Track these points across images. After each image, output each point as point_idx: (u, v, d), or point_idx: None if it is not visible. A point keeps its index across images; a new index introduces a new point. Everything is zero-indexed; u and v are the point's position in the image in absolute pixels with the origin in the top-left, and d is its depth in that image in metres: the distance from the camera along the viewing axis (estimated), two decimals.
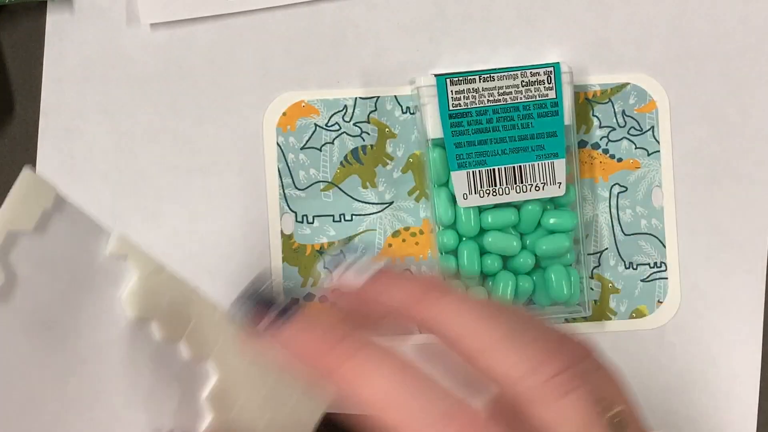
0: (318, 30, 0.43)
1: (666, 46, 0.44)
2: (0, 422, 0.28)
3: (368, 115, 0.43)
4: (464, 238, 0.41)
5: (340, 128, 0.43)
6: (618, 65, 0.44)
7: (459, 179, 0.40)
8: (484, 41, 0.44)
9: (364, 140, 0.43)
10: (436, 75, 0.41)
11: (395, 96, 0.43)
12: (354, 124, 0.43)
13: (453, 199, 0.41)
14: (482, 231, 0.41)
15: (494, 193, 0.40)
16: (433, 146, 0.41)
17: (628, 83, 0.44)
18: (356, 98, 0.43)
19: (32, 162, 0.43)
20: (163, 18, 0.43)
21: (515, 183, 0.41)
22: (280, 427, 0.33)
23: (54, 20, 0.43)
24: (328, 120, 0.43)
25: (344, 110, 0.43)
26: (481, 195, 0.40)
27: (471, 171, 0.40)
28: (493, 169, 0.41)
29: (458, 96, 0.40)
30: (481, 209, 0.41)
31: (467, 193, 0.40)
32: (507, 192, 0.41)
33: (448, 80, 0.40)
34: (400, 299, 0.29)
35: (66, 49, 0.43)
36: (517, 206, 0.42)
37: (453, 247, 0.41)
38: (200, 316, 0.32)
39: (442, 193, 0.41)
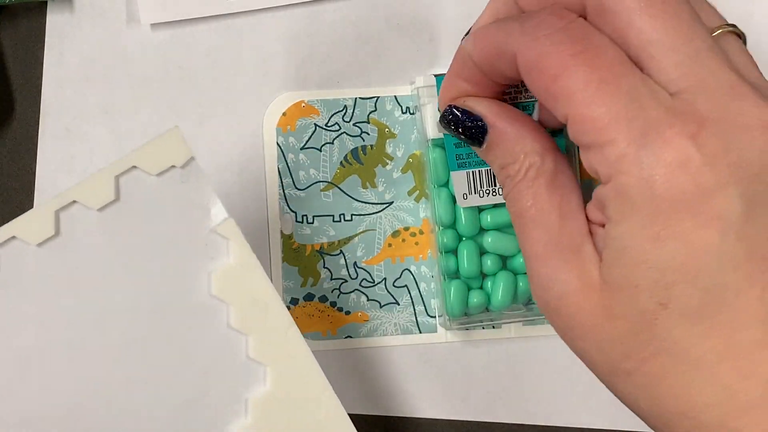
0: (318, 30, 0.43)
1: None
2: (64, 311, 0.32)
3: (368, 115, 0.43)
4: (464, 238, 0.41)
5: (340, 128, 0.43)
6: None
7: (459, 179, 0.40)
8: None
9: (364, 140, 0.43)
10: (436, 75, 0.41)
11: (395, 96, 0.43)
12: (354, 124, 0.43)
13: (453, 200, 0.41)
14: (482, 231, 0.41)
15: (494, 193, 0.40)
16: (433, 146, 0.41)
17: None
18: (356, 98, 0.43)
19: (32, 162, 0.43)
20: (163, 18, 0.43)
21: None
22: None
23: (54, 20, 0.43)
24: (328, 120, 0.43)
25: (344, 110, 0.43)
26: (481, 195, 0.40)
27: (471, 171, 0.40)
28: None
29: None
30: (480, 209, 0.41)
31: (467, 193, 0.40)
32: None
33: None
34: None
35: (66, 49, 0.43)
36: None
37: (453, 247, 0.41)
38: (274, 324, 0.33)
39: (442, 193, 0.41)
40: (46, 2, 0.43)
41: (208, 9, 0.43)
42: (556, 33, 0.28)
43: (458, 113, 0.33)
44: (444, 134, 0.40)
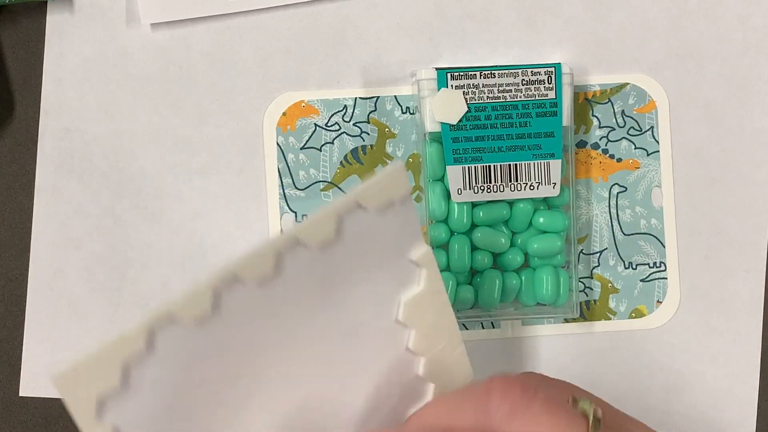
0: (318, 30, 0.43)
1: (666, 46, 0.44)
2: (267, 352, 0.31)
3: (368, 115, 0.43)
4: (456, 233, 0.41)
5: (340, 128, 0.43)
6: (617, 65, 0.44)
7: (454, 174, 0.40)
8: (484, 41, 0.44)
9: (363, 140, 0.43)
10: (437, 69, 0.41)
11: (395, 96, 0.43)
12: (354, 124, 0.43)
13: (447, 194, 0.41)
14: (473, 227, 0.41)
15: (488, 190, 0.40)
16: (430, 140, 0.41)
17: (627, 83, 0.44)
18: (356, 98, 0.43)
19: (32, 162, 0.43)
20: (163, 18, 0.43)
21: (510, 181, 0.41)
22: None
23: (54, 20, 0.43)
24: (328, 120, 0.43)
25: (344, 110, 0.43)
26: (476, 191, 0.40)
27: (466, 167, 0.40)
28: (489, 166, 0.41)
29: (458, 90, 0.40)
30: (473, 204, 0.41)
31: (462, 188, 0.40)
32: (501, 189, 0.41)
33: (448, 74, 0.40)
34: None
35: (66, 49, 0.43)
36: (510, 203, 0.42)
37: (444, 241, 0.41)
38: (447, 346, 0.33)
39: (437, 187, 0.41)
40: (46, 2, 0.43)
41: (208, 9, 0.43)
42: None
43: None
44: (442, 128, 0.40)
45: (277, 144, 0.43)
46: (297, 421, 0.32)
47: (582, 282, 0.44)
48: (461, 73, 0.40)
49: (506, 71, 0.41)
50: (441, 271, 0.41)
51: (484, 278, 0.41)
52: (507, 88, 0.41)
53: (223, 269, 0.29)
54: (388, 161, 0.43)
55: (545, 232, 0.42)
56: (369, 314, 0.32)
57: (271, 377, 0.31)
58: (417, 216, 0.33)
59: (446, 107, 0.40)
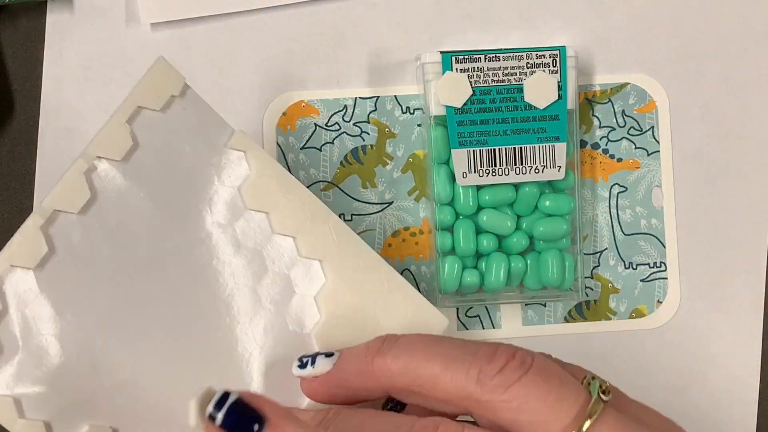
0: (318, 30, 0.43)
1: (666, 46, 0.44)
2: (125, 270, 0.32)
3: (368, 115, 0.43)
4: (461, 216, 0.41)
5: (340, 128, 0.43)
6: (618, 65, 0.44)
7: (459, 157, 0.40)
8: (484, 41, 0.44)
9: (364, 140, 0.43)
10: (441, 52, 0.41)
11: (395, 96, 0.43)
12: (354, 124, 0.43)
13: (452, 177, 0.41)
14: (479, 209, 0.41)
15: (494, 173, 0.40)
16: (435, 124, 0.41)
17: (627, 83, 0.44)
18: (356, 98, 0.43)
19: (32, 162, 0.43)
20: (163, 18, 0.43)
21: (515, 164, 0.41)
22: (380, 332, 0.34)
23: (54, 20, 0.43)
24: (328, 120, 0.43)
25: (344, 110, 0.43)
26: (481, 174, 0.40)
27: (472, 150, 0.40)
28: (494, 149, 0.41)
29: (462, 74, 0.40)
30: (479, 187, 0.41)
31: (467, 172, 0.40)
32: (506, 173, 0.41)
33: (453, 57, 0.40)
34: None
35: (66, 49, 0.43)
36: (515, 186, 0.42)
37: (449, 225, 0.41)
38: (314, 218, 0.34)
39: (442, 170, 0.41)
40: (46, 2, 0.43)
41: (208, 9, 0.43)
42: None
43: None
44: (447, 111, 0.40)
45: (277, 144, 0.43)
46: (189, 344, 0.32)
47: None
48: (466, 57, 0.40)
49: (511, 54, 0.41)
50: (446, 254, 0.41)
51: (490, 261, 0.41)
52: (512, 71, 0.41)
53: (41, 210, 0.31)
54: (388, 161, 0.43)
55: (550, 215, 0.42)
56: (217, 212, 0.33)
57: (148, 298, 0.32)
58: (208, 105, 0.34)
59: (451, 90, 0.40)
